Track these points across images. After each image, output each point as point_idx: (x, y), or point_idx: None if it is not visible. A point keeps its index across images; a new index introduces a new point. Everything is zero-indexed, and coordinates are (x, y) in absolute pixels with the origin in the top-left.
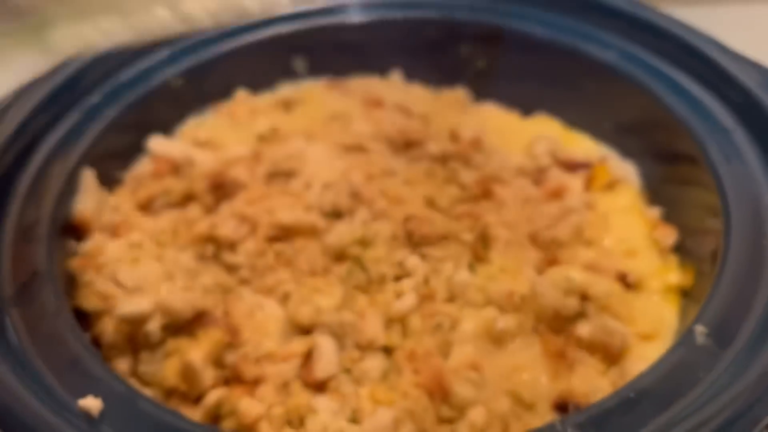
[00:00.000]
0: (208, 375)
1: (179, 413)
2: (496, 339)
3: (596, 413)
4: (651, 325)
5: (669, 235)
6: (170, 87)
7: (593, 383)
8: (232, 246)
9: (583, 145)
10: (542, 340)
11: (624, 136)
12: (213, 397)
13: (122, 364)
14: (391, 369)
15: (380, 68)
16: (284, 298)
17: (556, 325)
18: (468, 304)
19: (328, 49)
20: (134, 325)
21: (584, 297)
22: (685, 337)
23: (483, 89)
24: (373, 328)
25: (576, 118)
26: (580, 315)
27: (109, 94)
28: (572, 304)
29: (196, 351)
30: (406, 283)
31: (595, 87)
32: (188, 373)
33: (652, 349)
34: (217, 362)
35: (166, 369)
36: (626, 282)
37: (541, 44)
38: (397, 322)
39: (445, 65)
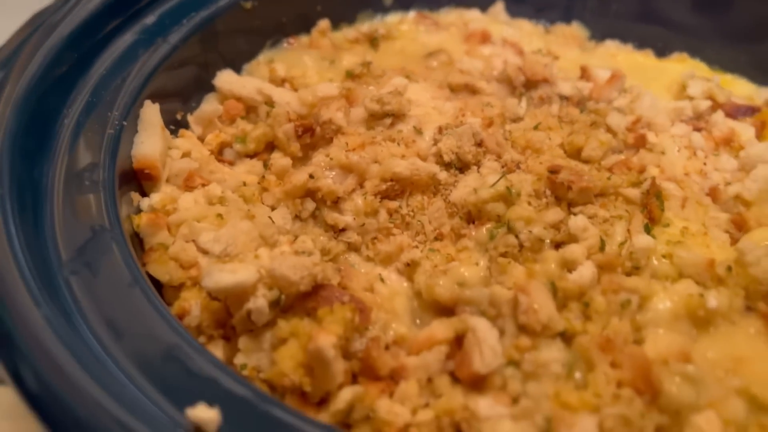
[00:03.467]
0: (340, 367)
1: (337, 428)
2: (702, 321)
3: None
4: None
5: None
6: (240, 9)
7: None
8: (335, 202)
9: (739, 88)
10: (766, 321)
11: None
12: (345, 397)
13: (214, 354)
14: (576, 361)
15: (479, 1)
16: (408, 269)
17: None
18: (655, 276)
19: None
20: (229, 299)
21: None
22: None
23: (602, 27)
24: (546, 308)
25: (725, 58)
26: None
27: (167, 14)
28: None
29: (325, 335)
30: (577, 250)
31: (756, 19)
32: (316, 364)
33: None
34: (344, 351)
35: (281, 360)
36: None
37: None
38: (573, 300)
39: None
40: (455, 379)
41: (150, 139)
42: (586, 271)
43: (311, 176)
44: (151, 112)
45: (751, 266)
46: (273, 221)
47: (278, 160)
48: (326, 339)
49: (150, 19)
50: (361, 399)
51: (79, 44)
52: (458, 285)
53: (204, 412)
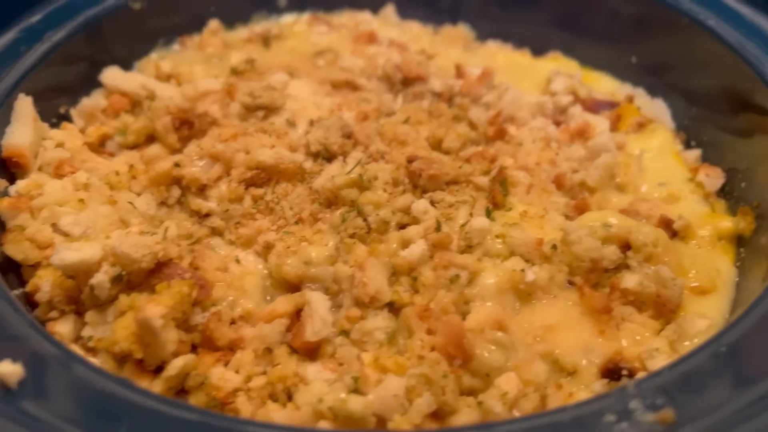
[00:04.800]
0: (170, 337)
1: (129, 381)
2: (524, 294)
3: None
4: (706, 277)
5: (715, 178)
6: (129, 10)
7: (647, 344)
8: (201, 189)
9: (604, 84)
10: (580, 294)
11: (652, 74)
12: (177, 365)
13: (63, 327)
14: (399, 329)
15: (371, 3)
16: (265, 251)
17: (594, 277)
18: (488, 254)
19: None
20: (78, 277)
21: (625, 246)
22: None
23: (486, 28)
24: (375, 281)
25: (594, 57)
26: (621, 266)
27: (52, 13)
28: (612, 253)
29: (154, 306)
30: (414, 230)
31: (619, 20)
32: (145, 333)
33: (709, 304)
34: (183, 323)
35: (116, 330)
36: (671, 229)
37: None
38: (404, 275)
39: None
40: (294, 350)
41: (20, 130)
42: (416, 249)
43: (176, 164)
44: (24, 105)
45: (574, 244)
46: (135, 207)
47: (149, 149)
48: (154, 309)
49: (35, 18)
50: (194, 367)
51: None
52: (305, 264)
53: (6, 367)
